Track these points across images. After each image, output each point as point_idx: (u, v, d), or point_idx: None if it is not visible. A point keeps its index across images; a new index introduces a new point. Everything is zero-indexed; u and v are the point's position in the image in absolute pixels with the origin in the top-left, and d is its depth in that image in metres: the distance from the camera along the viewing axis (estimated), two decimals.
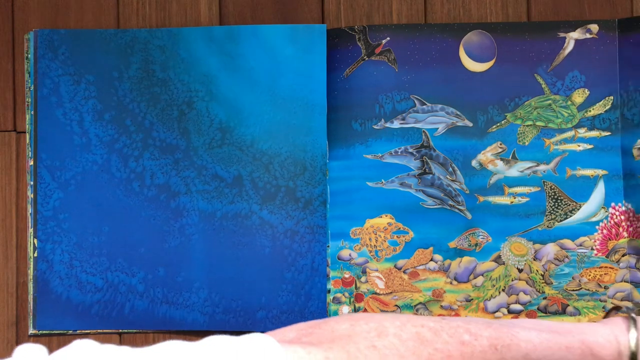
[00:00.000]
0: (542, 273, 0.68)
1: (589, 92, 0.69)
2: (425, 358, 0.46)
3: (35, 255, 0.70)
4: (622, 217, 0.69)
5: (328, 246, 0.70)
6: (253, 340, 0.42)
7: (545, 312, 0.68)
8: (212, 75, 0.71)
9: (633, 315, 0.54)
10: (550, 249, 0.68)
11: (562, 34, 0.69)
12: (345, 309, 0.69)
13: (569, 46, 0.69)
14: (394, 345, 0.46)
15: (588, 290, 0.68)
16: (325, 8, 0.71)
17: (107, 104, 0.71)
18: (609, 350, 0.52)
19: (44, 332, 0.70)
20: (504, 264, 0.70)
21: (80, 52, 0.71)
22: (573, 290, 0.68)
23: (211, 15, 0.71)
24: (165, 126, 0.71)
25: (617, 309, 0.60)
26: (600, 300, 0.69)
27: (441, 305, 0.70)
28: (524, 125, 0.70)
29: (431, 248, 0.70)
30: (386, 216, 0.70)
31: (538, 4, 0.71)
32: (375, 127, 0.70)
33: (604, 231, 0.69)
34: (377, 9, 0.71)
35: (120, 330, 0.70)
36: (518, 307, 0.70)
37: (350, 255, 0.70)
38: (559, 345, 0.51)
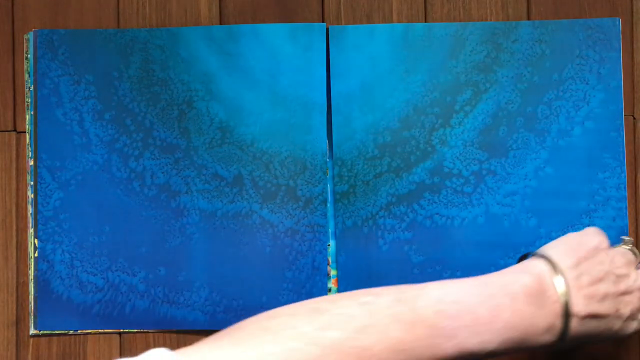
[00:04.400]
0: None
1: None
2: (323, 323, 0.45)
3: (36, 255, 0.70)
4: None
5: (329, 245, 0.70)
6: (148, 356, 0.42)
7: None
8: (212, 74, 0.71)
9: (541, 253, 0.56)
10: None
11: None
12: None
13: None
14: (286, 321, 0.45)
15: None
16: (326, 8, 0.71)
17: (107, 103, 0.71)
18: (524, 278, 0.52)
19: (45, 332, 0.70)
20: None
21: (79, 52, 0.71)
22: None
23: (211, 15, 0.71)
24: (166, 126, 0.71)
25: (525, 257, 0.60)
26: None
27: None
28: None
29: None
30: None
31: (538, 4, 0.71)
32: None
33: None
34: (377, 9, 0.71)
35: (121, 330, 0.70)
36: None
37: None
38: (474, 283, 0.51)
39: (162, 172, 0.71)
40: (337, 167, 0.70)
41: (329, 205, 0.70)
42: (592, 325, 0.54)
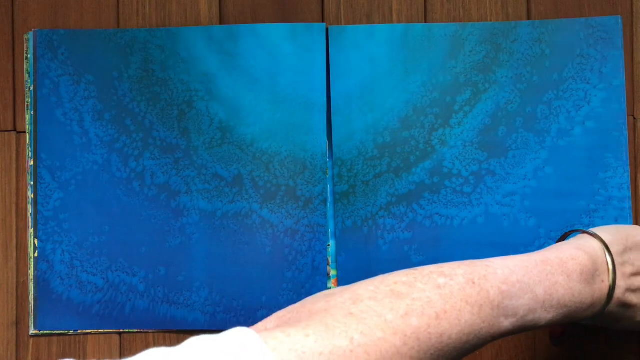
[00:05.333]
0: None
1: None
2: (404, 310, 0.46)
3: (36, 255, 0.70)
4: None
5: (329, 245, 0.70)
6: (233, 336, 0.42)
7: None
8: (212, 74, 0.71)
9: (587, 230, 0.58)
10: None
11: None
12: None
13: None
14: (370, 307, 0.46)
15: None
16: (325, 8, 0.71)
17: (107, 103, 0.71)
18: (581, 256, 0.54)
19: (45, 332, 0.70)
20: None
21: (79, 52, 0.71)
22: None
23: (211, 15, 0.71)
24: (165, 126, 0.71)
25: (566, 236, 0.62)
26: None
27: None
28: None
29: None
30: None
31: (538, 4, 0.71)
32: None
33: None
34: (377, 9, 0.71)
35: (121, 330, 0.70)
36: None
37: None
38: (534, 261, 0.52)
39: (162, 172, 0.71)
40: (337, 167, 0.70)
41: (328, 205, 0.70)
42: (620, 312, 0.56)
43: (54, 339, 0.70)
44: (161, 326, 0.70)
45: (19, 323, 0.70)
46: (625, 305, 0.56)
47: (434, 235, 0.70)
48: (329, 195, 0.70)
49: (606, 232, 0.58)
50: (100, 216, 0.70)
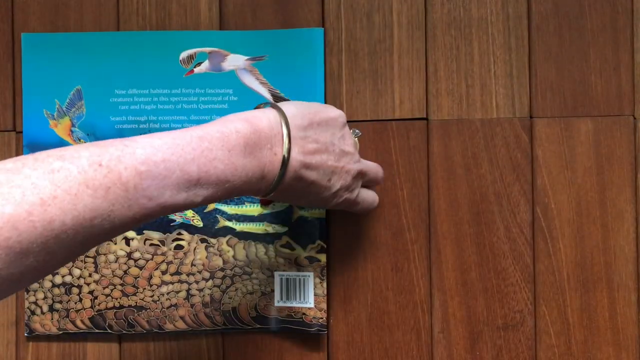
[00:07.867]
0: None
1: None
2: None
3: None
4: None
5: None
6: None
7: None
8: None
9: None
10: None
11: None
12: None
13: None
14: None
15: None
16: (325, 8, 0.71)
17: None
18: (246, 129, 0.52)
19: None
20: None
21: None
22: None
23: (211, 15, 0.71)
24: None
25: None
26: None
27: None
28: None
29: None
30: None
31: (538, 3, 0.70)
32: None
33: None
34: (377, 9, 0.71)
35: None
36: None
37: None
38: (189, 137, 0.49)
39: None
40: None
41: None
42: (299, 187, 0.56)
43: (54, 340, 0.70)
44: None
45: (19, 323, 0.70)
46: (303, 181, 0.55)
47: None
48: None
49: (292, 105, 0.57)
50: None
